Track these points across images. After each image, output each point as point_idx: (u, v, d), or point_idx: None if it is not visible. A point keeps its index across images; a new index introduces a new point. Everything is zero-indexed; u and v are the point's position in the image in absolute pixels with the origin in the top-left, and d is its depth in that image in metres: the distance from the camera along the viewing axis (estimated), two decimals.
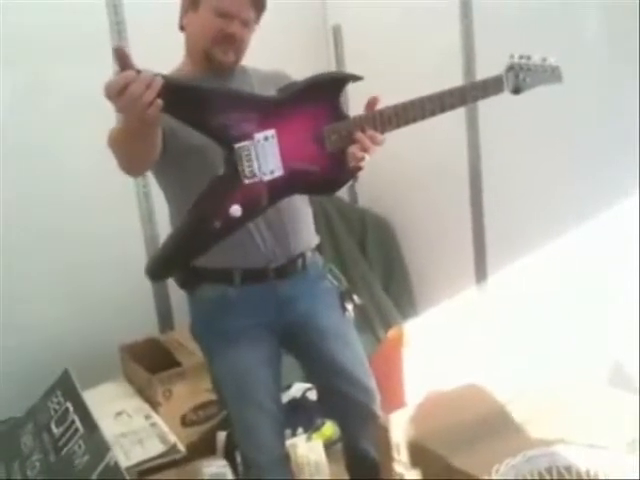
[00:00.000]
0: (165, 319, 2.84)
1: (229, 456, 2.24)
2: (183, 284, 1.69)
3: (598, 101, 2.14)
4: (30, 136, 2.52)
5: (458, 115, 2.64)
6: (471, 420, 1.47)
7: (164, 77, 1.25)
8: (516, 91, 1.55)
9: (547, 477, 1.17)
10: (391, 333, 2.70)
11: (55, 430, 2.10)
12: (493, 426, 1.44)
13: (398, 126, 1.49)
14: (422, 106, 1.48)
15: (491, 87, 1.53)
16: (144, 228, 2.77)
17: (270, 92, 1.58)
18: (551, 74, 1.57)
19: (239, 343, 1.66)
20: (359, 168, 1.51)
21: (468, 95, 1.52)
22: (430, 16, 2.62)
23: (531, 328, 2.38)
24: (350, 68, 3.18)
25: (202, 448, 2.36)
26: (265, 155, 1.41)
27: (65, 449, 1.98)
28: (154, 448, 2.22)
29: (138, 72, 1.20)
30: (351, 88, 3.16)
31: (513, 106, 2.39)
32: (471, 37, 2.54)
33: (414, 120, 1.49)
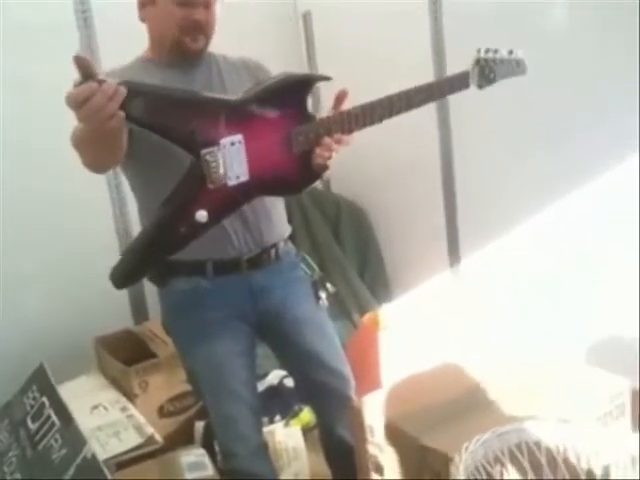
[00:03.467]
0: (139, 310, 2.82)
1: (207, 446, 2.24)
2: (152, 278, 1.68)
3: (570, 87, 2.16)
4: (11, 131, 2.48)
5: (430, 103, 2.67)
6: (444, 400, 1.49)
7: (128, 85, 1.23)
8: (482, 86, 1.56)
9: (517, 453, 1.20)
10: (367, 318, 2.71)
11: (31, 425, 2.08)
12: (466, 405, 1.46)
13: (365, 126, 1.49)
14: (390, 105, 1.49)
15: (457, 82, 1.54)
16: (116, 220, 2.75)
17: (239, 81, 1.59)
18: (516, 67, 1.59)
19: (213, 335, 1.65)
20: (325, 167, 1.51)
21: (435, 92, 1.53)
22: (400, 3, 2.61)
23: (504, 309, 2.41)
24: (320, 55, 3.19)
25: (180, 438, 2.35)
26: (231, 161, 1.40)
27: (42, 444, 1.97)
28: (131, 440, 2.21)
29: (100, 82, 1.18)
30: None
31: (484, 94, 2.43)
32: (440, 24, 2.55)
33: (381, 119, 1.50)
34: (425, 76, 2.53)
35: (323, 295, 1.77)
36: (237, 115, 1.43)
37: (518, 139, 2.36)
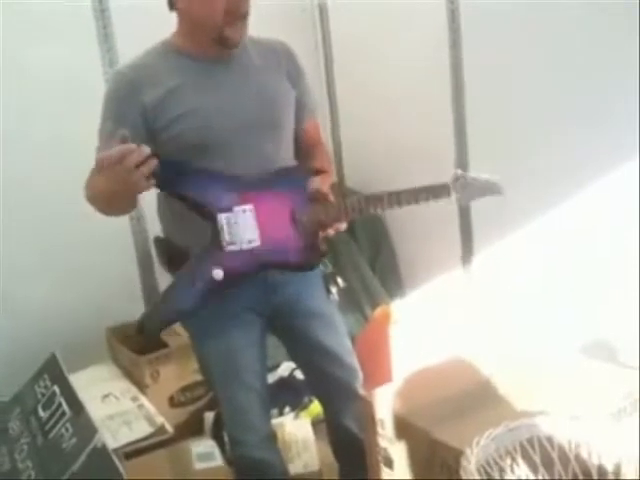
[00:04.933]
0: (152, 301, 2.81)
1: (217, 436, 2.25)
2: (170, 269, 1.68)
3: (585, 86, 2.14)
4: (11, 119, 2.46)
5: (444, 96, 2.65)
6: (454, 394, 1.48)
7: (158, 157, 1.37)
8: (460, 202, 1.66)
9: (528, 448, 1.19)
10: (378, 312, 2.70)
11: (42, 414, 2.09)
12: (477, 399, 1.45)
13: (361, 214, 1.63)
14: (387, 199, 1.61)
15: (440, 192, 1.64)
16: None
17: (271, 67, 1.63)
18: (492, 188, 1.69)
19: (228, 326, 1.67)
20: (324, 253, 1.67)
21: (420, 196, 1.63)
22: None
23: (516, 304, 2.39)
24: (335, 46, 3.17)
25: (190, 429, 2.37)
26: (245, 225, 1.56)
27: (52, 432, 1.98)
28: (142, 429, 2.23)
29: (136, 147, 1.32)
30: (338, 71, 3.15)
31: (499, 86, 2.39)
32: (457, 17, 2.53)
33: (375, 211, 1.65)
34: (441, 70, 2.54)
35: (333, 289, 1.80)
36: (248, 189, 1.57)
37: (532, 135, 2.33)
